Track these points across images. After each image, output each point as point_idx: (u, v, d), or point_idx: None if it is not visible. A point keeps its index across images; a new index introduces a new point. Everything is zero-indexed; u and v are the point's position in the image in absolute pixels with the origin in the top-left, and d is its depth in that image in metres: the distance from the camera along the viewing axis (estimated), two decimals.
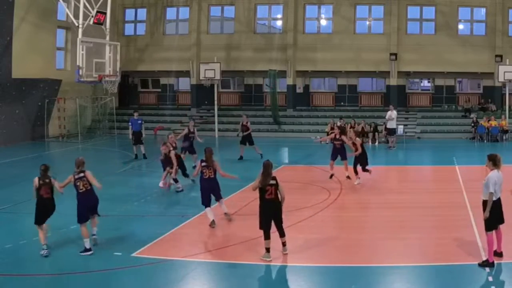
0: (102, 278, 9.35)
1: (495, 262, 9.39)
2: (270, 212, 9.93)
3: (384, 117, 27.79)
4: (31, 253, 10.63)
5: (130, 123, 23.06)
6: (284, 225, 11.54)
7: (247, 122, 22.52)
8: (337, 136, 17.61)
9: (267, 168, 9.94)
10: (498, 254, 9.59)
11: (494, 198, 9.29)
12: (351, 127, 28.78)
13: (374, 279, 9.25)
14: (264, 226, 9.93)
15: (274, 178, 9.94)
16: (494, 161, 9.45)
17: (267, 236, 9.94)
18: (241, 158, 22.02)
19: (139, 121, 22.98)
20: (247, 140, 22.28)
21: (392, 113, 26.99)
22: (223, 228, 12.29)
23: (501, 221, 9.50)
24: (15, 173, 19.76)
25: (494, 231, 9.46)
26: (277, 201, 9.97)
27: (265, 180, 9.84)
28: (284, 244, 10.24)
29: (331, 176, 17.59)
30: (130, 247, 10.67)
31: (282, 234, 10.19)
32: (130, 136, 22.86)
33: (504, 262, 9.53)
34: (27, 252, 10.65)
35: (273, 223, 10.06)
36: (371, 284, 9.10)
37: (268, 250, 9.95)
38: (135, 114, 23.76)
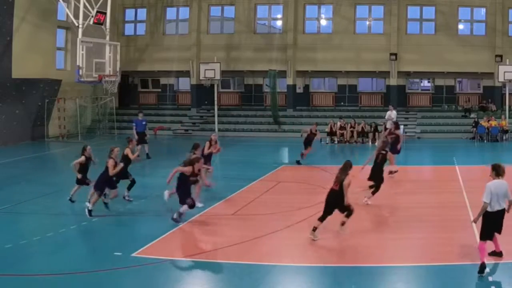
0: (102, 278, 9.34)
1: (497, 262, 9.39)
2: (331, 200, 11.19)
3: (384, 117, 27.79)
4: (31, 253, 10.63)
5: (134, 124, 23.02)
6: (284, 225, 11.53)
7: (316, 130, 21.70)
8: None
9: (347, 166, 11.34)
10: (498, 253, 9.57)
11: (491, 209, 9.02)
12: (351, 127, 28.90)
13: (374, 279, 9.25)
14: (325, 213, 11.20)
15: (345, 175, 11.17)
16: (497, 171, 9.23)
17: (322, 219, 11.16)
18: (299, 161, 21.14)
19: (144, 122, 23.07)
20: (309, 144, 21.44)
21: (392, 113, 27.01)
22: (223, 228, 12.29)
23: (498, 231, 9.29)
24: (15, 173, 19.76)
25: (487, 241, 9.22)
26: (338, 192, 11.13)
27: (342, 174, 11.15)
28: (343, 223, 11.28)
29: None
30: (130, 247, 10.66)
31: (345, 214, 11.32)
32: (136, 137, 22.82)
33: (504, 262, 9.52)
34: (27, 252, 10.64)
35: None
36: (371, 284, 9.09)
37: (315, 229, 11.06)
38: (140, 115, 23.80)
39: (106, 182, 13.23)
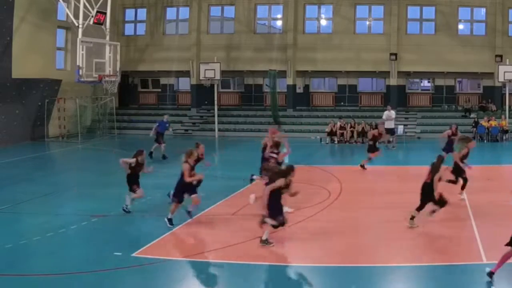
0: (102, 278, 9.34)
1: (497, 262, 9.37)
2: (425, 192, 12.11)
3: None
4: (31, 253, 10.64)
5: (157, 124, 22.86)
6: (284, 225, 11.52)
7: (382, 131, 20.78)
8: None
9: (440, 160, 12.43)
10: None
11: None
12: (351, 127, 28.90)
13: (374, 279, 9.25)
14: (422, 202, 12.12)
15: (438, 169, 12.10)
16: None
17: (420, 209, 12.10)
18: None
19: (167, 124, 23.36)
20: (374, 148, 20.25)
21: (390, 113, 27.01)
22: (223, 228, 12.28)
23: None
24: (15, 173, 19.75)
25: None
26: (430, 184, 12.09)
27: (434, 168, 12.17)
28: (433, 211, 12.16)
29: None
30: (130, 247, 10.67)
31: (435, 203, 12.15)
32: (151, 134, 22.72)
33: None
34: (27, 252, 10.65)
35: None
36: (371, 284, 9.10)
37: (413, 218, 11.98)
38: (165, 116, 23.96)
39: (184, 189, 12.34)
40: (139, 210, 13.85)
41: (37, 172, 20.51)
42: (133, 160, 13.32)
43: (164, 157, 22.00)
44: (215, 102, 31.83)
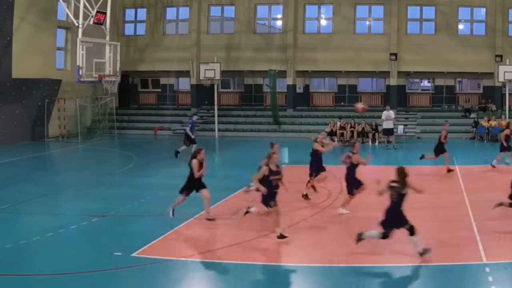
0: (102, 278, 9.34)
1: (497, 262, 9.37)
2: None
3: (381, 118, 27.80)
4: (31, 253, 10.63)
5: (190, 125, 22.71)
6: (284, 225, 11.53)
7: (445, 138, 20.49)
8: None
9: None
10: None
11: None
12: (351, 127, 28.92)
13: (374, 279, 9.25)
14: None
15: None
16: None
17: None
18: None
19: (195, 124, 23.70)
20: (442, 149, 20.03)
21: (389, 113, 27.05)
22: (223, 228, 12.28)
23: None
24: (15, 173, 19.77)
25: None
26: None
27: None
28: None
29: None
30: (130, 247, 10.66)
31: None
32: (193, 136, 22.50)
33: (504, 262, 9.52)
34: (27, 252, 10.64)
35: None
36: (371, 284, 9.10)
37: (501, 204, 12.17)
38: (195, 117, 24.11)
39: (273, 191, 11.23)
40: (139, 210, 13.86)
41: (37, 172, 20.52)
42: (194, 161, 12.34)
43: (176, 154, 21.91)
44: (215, 102, 31.85)
